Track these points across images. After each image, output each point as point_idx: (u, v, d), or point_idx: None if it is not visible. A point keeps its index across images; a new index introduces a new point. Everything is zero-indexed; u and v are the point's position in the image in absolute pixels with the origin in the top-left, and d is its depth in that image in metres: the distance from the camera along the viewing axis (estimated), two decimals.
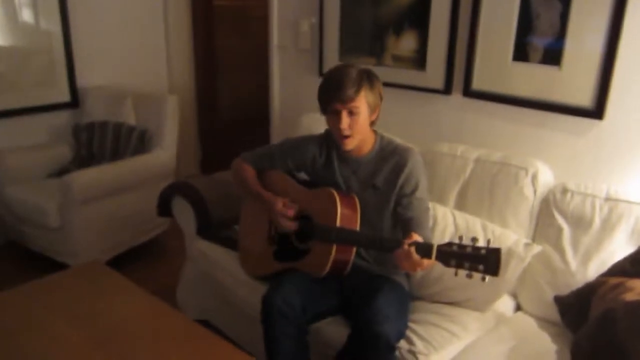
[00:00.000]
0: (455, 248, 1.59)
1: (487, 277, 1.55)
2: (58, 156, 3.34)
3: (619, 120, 2.05)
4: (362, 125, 1.91)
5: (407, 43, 2.59)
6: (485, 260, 1.54)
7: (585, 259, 1.94)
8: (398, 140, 2.07)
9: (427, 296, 2.10)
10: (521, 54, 2.23)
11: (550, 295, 1.99)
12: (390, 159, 1.97)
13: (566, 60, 2.11)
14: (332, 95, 1.85)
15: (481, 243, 1.56)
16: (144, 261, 3.25)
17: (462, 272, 1.59)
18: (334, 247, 1.88)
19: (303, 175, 2.18)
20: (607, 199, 1.95)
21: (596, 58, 2.03)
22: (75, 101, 3.49)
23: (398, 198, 1.95)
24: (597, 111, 2.07)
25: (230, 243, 2.38)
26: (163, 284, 2.88)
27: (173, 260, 3.31)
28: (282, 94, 3.25)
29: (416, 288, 2.11)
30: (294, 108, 3.16)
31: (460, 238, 1.60)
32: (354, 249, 1.92)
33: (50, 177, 3.25)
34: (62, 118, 3.50)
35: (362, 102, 1.86)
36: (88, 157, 3.28)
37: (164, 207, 2.61)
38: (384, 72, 2.66)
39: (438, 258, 1.61)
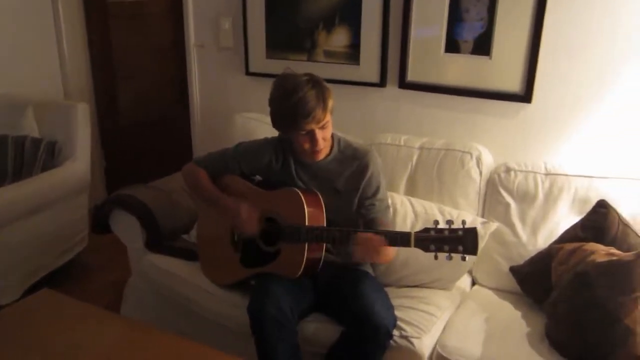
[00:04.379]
0: (432, 233, 1.67)
1: (467, 257, 1.67)
2: None
3: (545, 103, 2.28)
4: (330, 132, 1.94)
5: (339, 38, 2.63)
6: (464, 241, 1.64)
7: (534, 230, 2.14)
8: (352, 140, 2.08)
9: (394, 282, 2.18)
10: (452, 46, 2.38)
11: (504, 267, 2.17)
12: (351, 163, 1.99)
13: (495, 50, 2.30)
14: (303, 122, 1.81)
15: (456, 225, 1.65)
16: (65, 285, 2.93)
17: (442, 255, 1.68)
18: (306, 246, 1.88)
19: (257, 177, 2.15)
20: (547, 173, 2.16)
21: (522, 47, 2.24)
22: None
23: (360, 200, 1.98)
24: (525, 95, 2.28)
25: (186, 254, 2.27)
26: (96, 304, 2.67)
27: (96, 279, 3.07)
28: (203, 95, 3.12)
29: (382, 275, 2.18)
30: (218, 108, 3.05)
31: (436, 222, 1.69)
32: (324, 245, 1.93)
33: None
34: None
35: (328, 113, 1.87)
36: None
37: (100, 223, 2.41)
38: (316, 68, 2.65)
39: (417, 245, 1.68)
